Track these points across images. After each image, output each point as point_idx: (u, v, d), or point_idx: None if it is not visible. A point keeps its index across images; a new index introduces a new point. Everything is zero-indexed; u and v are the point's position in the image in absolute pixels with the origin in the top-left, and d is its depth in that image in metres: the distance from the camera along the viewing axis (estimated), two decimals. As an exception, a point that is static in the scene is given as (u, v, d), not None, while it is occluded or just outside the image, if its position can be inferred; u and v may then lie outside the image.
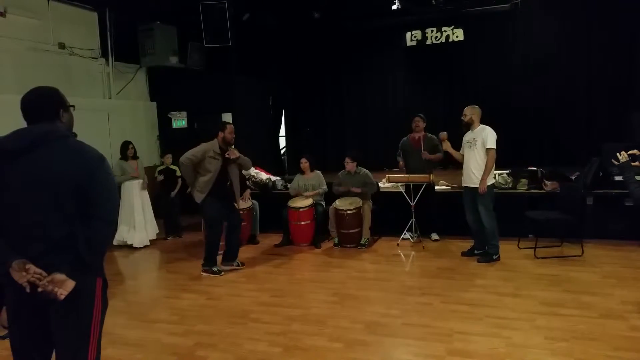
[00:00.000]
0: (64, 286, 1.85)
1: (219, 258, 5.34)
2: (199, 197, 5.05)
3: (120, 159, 6.62)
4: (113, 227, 2.00)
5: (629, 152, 3.12)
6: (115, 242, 6.54)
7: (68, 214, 1.90)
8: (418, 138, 6.09)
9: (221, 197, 5.11)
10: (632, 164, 3.11)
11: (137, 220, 6.58)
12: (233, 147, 5.17)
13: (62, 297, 1.85)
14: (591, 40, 8.53)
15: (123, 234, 6.57)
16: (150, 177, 7.12)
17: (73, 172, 1.90)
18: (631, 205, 5.61)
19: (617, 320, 3.55)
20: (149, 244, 6.69)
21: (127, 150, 6.61)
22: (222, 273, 5.18)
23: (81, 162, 1.93)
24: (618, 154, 3.15)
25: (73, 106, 2.14)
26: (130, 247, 6.56)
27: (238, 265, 5.38)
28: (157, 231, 6.97)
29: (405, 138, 6.24)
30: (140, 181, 6.69)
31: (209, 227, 5.21)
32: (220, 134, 5.09)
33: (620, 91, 8.32)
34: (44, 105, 2.02)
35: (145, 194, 6.77)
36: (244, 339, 3.56)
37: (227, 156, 5.08)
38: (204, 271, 5.20)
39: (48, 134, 1.94)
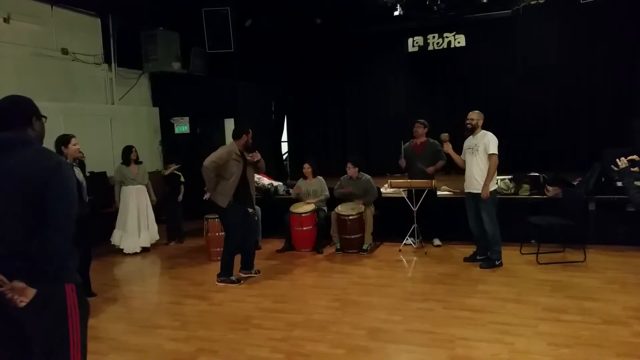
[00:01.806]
0: (24, 294, 1.83)
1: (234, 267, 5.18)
2: (224, 201, 4.92)
3: (122, 163, 6.53)
4: (66, 234, 1.92)
5: (628, 158, 3.14)
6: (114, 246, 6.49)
7: (26, 221, 1.88)
8: (420, 144, 6.09)
9: (241, 201, 5.02)
10: (632, 169, 3.12)
11: (129, 225, 6.41)
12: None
13: (23, 304, 1.82)
14: (592, 47, 8.55)
15: (116, 239, 6.48)
16: (155, 182, 7.06)
17: (29, 178, 1.89)
18: (633, 210, 5.60)
19: (619, 326, 3.53)
20: (139, 250, 6.49)
21: (129, 155, 6.50)
22: (242, 282, 5.06)
23: (38, 168, 1.91)
24: (617, 160, 3.17)
25: (45, 117, 2.15)
26: (133, 252, 6.51)
27: (255, 273, 5.26)
28: (157, 238, 6.81)
29: (407, 143, 6.25)
30: (138, 186, 6.51)
31: (229, 235, 5.04)
32: (245, 137, 5.01)
33: (622, 97, 8.33)
34: (16, 112, 2.04)
35: (145, 199, 6.59)
36: (245, 344, 3.55)
37: (249, 158, 5.03)
38: (222, 281, 5.01)
39: (11, 140, 1.95)
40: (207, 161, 4.90)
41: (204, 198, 5.28)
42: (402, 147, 6.24)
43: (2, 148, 1.93)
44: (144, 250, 6.60)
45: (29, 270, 1.86)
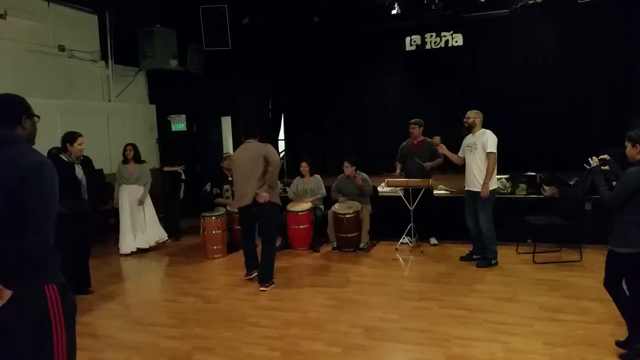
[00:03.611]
0: (0, 295, 1.83)
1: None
2: (278, 199, 4.87)
3: (122, 161, 6.42)
4: (42, 235, 1.88)
5: (599, 157, 3.29)
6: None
7: (2, 221, 1.85)
8: (416, 143, 6.10)
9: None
10: (602, 167, 3.27)
11: (123, 225, 6.28)
12: None
13: None
14: (589, 46, 8.56)
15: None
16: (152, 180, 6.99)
17: (7, 177, 1.86)
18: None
19: (615, 326, 3.53)
20: (134, 251, 6.35)
21: (123, 153, 6.38)
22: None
23: (17, 167, 1.88)
24: (590, 159, 3.32)
25: (38, 116, 2.13)
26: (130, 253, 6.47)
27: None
28: (164, 238, 6.68)
29: (404, 143, 6.25)
30: (131, 186, 6.28)
31: (272, 239, 4.87)
32: (257, 138, 4.93)
33: (618, 96, 8.35)
34: (5, 110, 2.02)
35: (140, 198, 6.38)
36: (241, 343, 3.55)
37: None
38: (268, 286, 4.77)
39: (2, 138, 1.94)
40: (278, 158, 4.79)
41: (262, 203, 4.65)
42: (399, 148, 6.26)
43: None
44: (142, 251, 6.45)
45: (5, 271, 1.84)
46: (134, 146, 6.43)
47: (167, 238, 6.82)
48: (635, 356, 3.06)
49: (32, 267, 1.89)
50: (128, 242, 6.35)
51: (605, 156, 3.31)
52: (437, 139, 5.49)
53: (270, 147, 4.81)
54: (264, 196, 4.63)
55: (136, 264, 6.14)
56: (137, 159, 6.42)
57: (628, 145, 3.09)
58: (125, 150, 6.39)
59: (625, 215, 3.03)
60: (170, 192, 6.99)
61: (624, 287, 3.18)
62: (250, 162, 4.72)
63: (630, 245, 2.99)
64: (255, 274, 4.95)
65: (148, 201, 6.52)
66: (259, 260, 4.89)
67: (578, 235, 5.39)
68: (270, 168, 4.66)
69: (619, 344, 3.17)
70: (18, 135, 2.01)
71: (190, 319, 4.06)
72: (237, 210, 6.29)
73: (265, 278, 4.77)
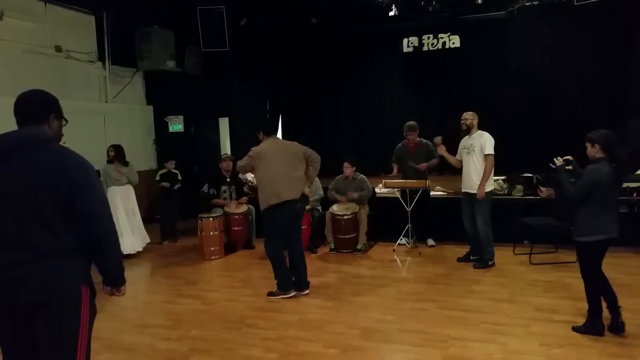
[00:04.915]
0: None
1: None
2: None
3: (108, 162, 6.34)
4: (113, 238, 2.01)
5: (563, 158, 3.65)
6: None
7: (48, 222, 1.86)
8: (412, 144, 6.09)
9: None
10: (566, 167, 3.63)
11: (121, 227, 6.09)
12: None
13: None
14: (586, 48, 8.61)
15: None
16: (150, 180, 6.97)
17: (53, 179, 1.87)
18: (626, 212, 5.65)
19: (612, 327, 3.56)
20: (140, 249, 6.35)
21: (107, 153, 6.30)
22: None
23: (61, 170, 1.89)
24: (555, 159, 3.67)
25: (66, 120, 2.12)
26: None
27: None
28: (147, 241, 6.59)
29: (400, 144, 6.25)
30: (123, 187, 6.22)
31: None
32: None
33: (615, 97, 8.40)
34: (37, 105, 2.00)
35: (129, 202, 6.32)
36: (239, 344, 3.55)
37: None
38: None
39: (32, 138, 1.92)
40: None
41: (306, 206, 4.58)
42: (395, 149, 6.26)
43: (23, 147, 1.89)
44: (130, 256, 6.28)
45: (49, 269, 1.88)
46: (115, 147, 6.32)
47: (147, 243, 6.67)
48: (588, 329, 3.44)
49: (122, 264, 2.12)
50: (128, 243, 6.26)
51: (569, 157, 3.68)
52: (438, 139, 5.49)
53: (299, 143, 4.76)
54: (308, 192, 4.66)
55: (132, 265, 6.11)
56: (123, 160, 6.30)
57: (588, 145, 3.47)
58: (107, 151, 6.33)
59: (587, 207, 3.36)
60: (167, 193, 6.98)
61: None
62: (290, 158, 4.51)
63: (595, 233, 3.35)
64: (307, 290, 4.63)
65: (135, 203, 6.46)
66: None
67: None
68: (315, 164, 4.65)
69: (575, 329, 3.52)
70: (45, 133, 1.98)
71: (188, 321, 4.05)
72: (234, 212, 6.34)
73: (305, 285, 4.62)
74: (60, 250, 1.90)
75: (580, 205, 3.40)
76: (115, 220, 6.00)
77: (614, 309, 3.43)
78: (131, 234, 6.36)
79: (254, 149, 4.60)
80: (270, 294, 4.58)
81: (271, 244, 4.56)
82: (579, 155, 3.71)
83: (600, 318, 3.45)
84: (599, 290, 3.45)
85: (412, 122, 6.12)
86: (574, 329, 3.52)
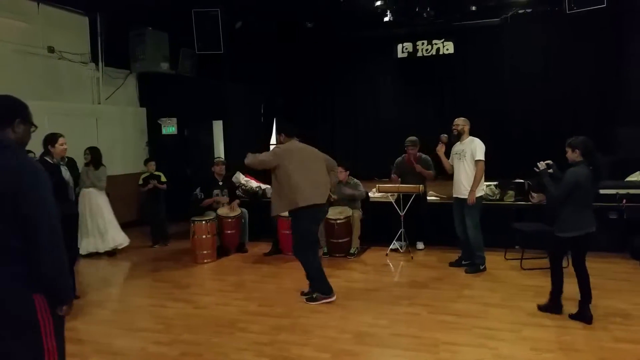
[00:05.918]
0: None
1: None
2: None
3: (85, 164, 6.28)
4: (56, 250, 1.91)
5: (545, 162, 3.95)
6: (84, 252, 6.25)
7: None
8: (413, 159, 6.09)
9: None
10: (548, 171, 3.93)
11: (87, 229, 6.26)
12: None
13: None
14: (578, 55, 8.70)
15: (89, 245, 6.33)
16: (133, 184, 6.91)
17: (3, 187, 1.83)
18: (615, 218, 5.72)
19: (601, 332, 3.59)
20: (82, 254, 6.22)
21: (84, 156, 6.25)
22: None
23: (10, 175, 1.85)
24: (538, 163, 3.97)
25: (35, 126, 2.12)
26: (114, 255, 6.44)
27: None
28: (121, 243, 6.53)
29: (400, 158, 6.24)
30: (87, 190, 6.21)
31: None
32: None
33: (606, 105, 8.49)
34: (0, 110, 2.00)
35: (95, 203, 6.30)
36: (230, 348, 3.53)
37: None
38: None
39: None
40: None
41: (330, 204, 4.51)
42: (395, 163, 6.26)
43: None
44: (91, 255, 6.32)
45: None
46: (91, 149, 6.25)
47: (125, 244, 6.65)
48: (552, 307, 3.94)
49: (65, 279, 1.97)
50: (85, 244, 6.29)
51: (549, 161, 3.98)
52: (444, 137, 5.48)
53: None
54: (333, 197, 4.64)
55: (122, 269, 6.08)
56: (95, 163, 6.21)
57: (568, 150, 3.79)
58: (84, 153, 6.26)
59: (570, 206, 3.71)
60: (152, 196, 6.88)
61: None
62: (318, 162, 4.44)
63: (575, 230, 3.73)
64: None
65: (104, 205, 6.41)
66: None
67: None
68: (335, 170, 4.72)
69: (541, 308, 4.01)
70: (7, 138, 1.97)
71: (179, 325, 4.02)
72: (227, 215, 6.31)
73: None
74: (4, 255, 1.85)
75: (561, 204, 3.75)
76: (80, 222, 5.84)
77: (557, 296, 3.96)
78: (96, 236, 6.34)
79: (282, 147, 4.38)
80: (311, 299, 4.43)
81: (312, 254, 4.47)
82: (564, 160, 3.86)
83: (589, 307, 3.79)
84: (586, 279, 3.82)
85: (413, 137, 6.11)
86: (571, 316, 3.84)
